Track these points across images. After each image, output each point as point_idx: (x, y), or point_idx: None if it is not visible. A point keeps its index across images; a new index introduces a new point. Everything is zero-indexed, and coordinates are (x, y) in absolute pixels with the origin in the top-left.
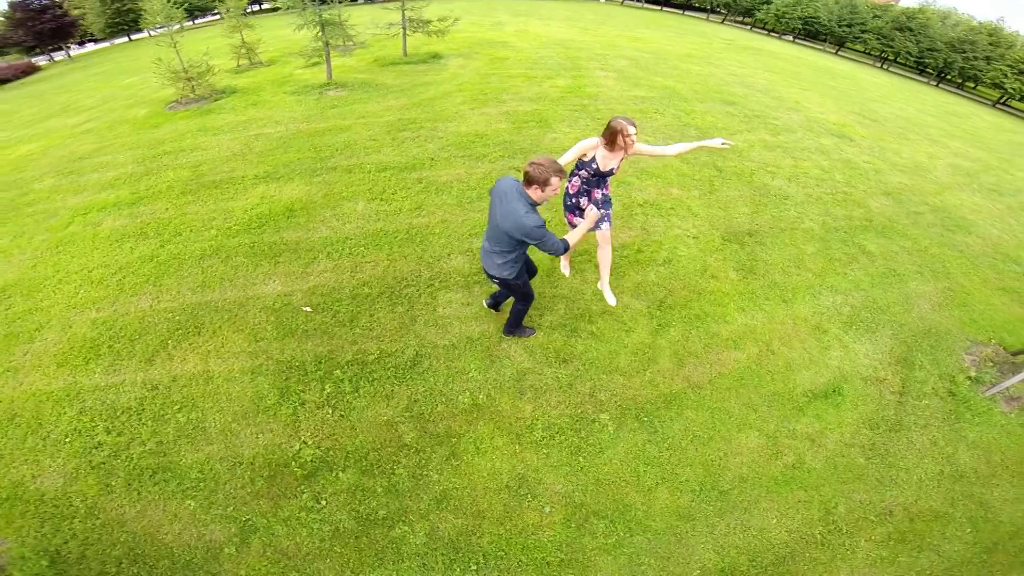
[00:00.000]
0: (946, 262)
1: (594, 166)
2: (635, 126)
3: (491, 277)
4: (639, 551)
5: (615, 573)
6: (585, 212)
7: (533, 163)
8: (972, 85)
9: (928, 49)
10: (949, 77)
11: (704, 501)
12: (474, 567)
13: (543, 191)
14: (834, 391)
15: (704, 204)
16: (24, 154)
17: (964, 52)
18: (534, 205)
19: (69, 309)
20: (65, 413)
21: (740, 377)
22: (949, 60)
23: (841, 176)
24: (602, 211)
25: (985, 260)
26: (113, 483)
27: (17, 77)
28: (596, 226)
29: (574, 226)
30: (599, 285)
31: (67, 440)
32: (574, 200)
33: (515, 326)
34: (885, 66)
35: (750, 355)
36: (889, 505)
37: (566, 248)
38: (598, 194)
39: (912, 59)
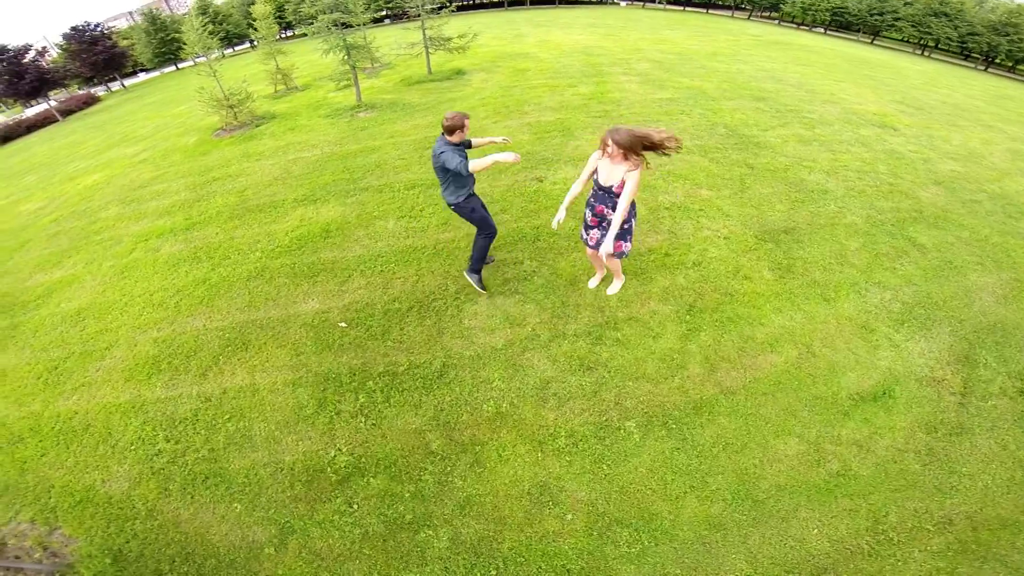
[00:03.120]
0: (1010, 251)
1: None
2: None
3: (450, 206)
4: (664, 561)
5: None
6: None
7: (446, 116)
8: None
9: (969, 33)
10: (998, 61)
11: (737, 510)
12: (494, 572)
13: (463, 133)
14: (884, 393)
15: (736, 203)
16: (91, 184)
17: (1008, 35)
18: (452, 144)
19: (134, 329)
20: (131, 423)
21: (777, 381)
22: (993, 43)
23: (885, 167)
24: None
25: None
26: (171, 487)
27: (80, 108)
28: (619, 254)
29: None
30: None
31: (132, 448)
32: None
33: (475, 263)
34: (926, 53)
35: (788, 358)
36: (949, 514)
37: (465, 165)
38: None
39: (954, 44)
